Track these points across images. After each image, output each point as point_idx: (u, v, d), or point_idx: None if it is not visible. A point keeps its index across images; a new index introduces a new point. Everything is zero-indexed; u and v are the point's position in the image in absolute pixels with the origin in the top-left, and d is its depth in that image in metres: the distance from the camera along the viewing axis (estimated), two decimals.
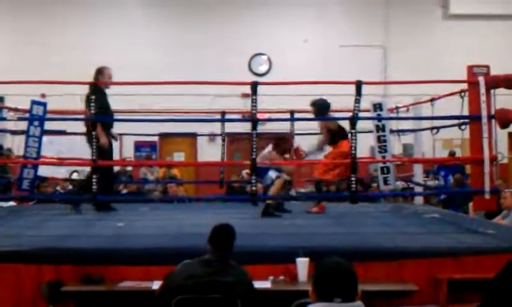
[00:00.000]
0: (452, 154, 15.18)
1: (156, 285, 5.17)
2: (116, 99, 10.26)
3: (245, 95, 13.15)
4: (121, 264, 5.79)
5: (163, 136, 16.78)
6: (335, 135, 8.98)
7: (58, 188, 13.37)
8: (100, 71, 9.16)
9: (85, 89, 8.36)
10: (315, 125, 10.67)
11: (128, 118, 10.72)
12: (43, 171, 11.56)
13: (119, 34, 17.66)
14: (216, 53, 17.48)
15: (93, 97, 7.91)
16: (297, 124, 10.86)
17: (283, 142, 9.34)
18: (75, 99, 9.10)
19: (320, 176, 9.10)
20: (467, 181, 12.51)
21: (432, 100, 9.21)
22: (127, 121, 10.32)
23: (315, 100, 9.04)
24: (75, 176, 13.97)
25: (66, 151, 14.20)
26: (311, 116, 9.10)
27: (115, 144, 9.48)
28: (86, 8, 17.90)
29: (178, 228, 7.57)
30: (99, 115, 8.17)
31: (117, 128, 11.17)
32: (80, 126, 9.17)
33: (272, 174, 8.90)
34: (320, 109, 8.98)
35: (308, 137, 11.43)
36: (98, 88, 8.85)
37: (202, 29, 17.87)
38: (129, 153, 16.69)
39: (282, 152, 9.16)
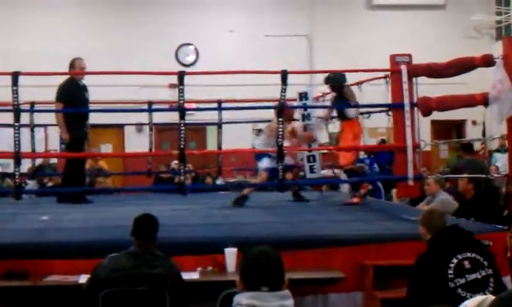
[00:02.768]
0: (382, 142, 15.44)
1: (83, 279, 5.11)
2: (41, 89, 10.08)
3: (172, 85, 13.04)
4: (47, 258, 5.69)
5: (89, 127, 16.45)
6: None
7: None
8: (71, 64, 9.28)
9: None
10: (241, 115, 10.73)
11: (52, 109, 10.48)
12: None
13: (43, 22, 17.21)
14: (143, 43, 17.24)
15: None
16: (225, 113, 10.90)
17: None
18: None
19: (348, 162, 8.69)
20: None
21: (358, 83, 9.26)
22: (50, 111, 10.08)
23: (328, 76, 8.74)
24: None
25: None
26: (238, 105, 9.02)
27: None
28: None
29: (105, 220, 7.47)
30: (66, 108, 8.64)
31: (42, 119, 10.98)
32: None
33: (264, 162, 8.77)
34: (338, 83, 8.68)
35: (234, 126, 11.50)
36: (68, 80, 8.86)
37: (129, 19, 17.61)
38: (55, 144, 16.32)
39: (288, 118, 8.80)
